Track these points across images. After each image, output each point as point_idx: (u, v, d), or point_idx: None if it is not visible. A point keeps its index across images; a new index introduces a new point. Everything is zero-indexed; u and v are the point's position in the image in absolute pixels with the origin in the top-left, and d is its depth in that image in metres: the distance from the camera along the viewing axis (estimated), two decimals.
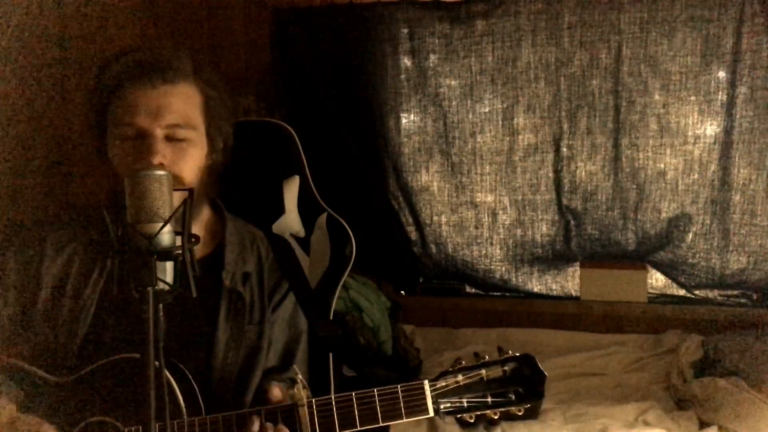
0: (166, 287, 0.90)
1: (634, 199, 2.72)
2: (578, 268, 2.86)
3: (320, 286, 1.55)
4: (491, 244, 2.90)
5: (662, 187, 2.69)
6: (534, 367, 1.16)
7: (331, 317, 1.52)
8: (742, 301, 2.72)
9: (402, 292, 3.03)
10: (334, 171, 2.76)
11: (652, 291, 2.82)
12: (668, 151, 2.65)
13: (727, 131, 2.57)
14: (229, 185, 1.41)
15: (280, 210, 1.64)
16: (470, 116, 2.78)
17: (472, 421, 1.14)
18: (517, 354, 1.18)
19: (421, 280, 3.04)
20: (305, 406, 1.12)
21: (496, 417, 1.14)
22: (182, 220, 0.92)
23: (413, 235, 2.96)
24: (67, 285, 1.23)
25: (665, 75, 2.58)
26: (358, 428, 1.12)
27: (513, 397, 1.15)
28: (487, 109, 2.77)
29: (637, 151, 2.67)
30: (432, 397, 1.13)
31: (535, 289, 2.92)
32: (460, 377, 1.15)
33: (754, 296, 2.71)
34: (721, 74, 2.54)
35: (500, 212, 2.86)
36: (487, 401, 1.15)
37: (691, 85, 2.56)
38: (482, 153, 2.81)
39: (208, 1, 2.87)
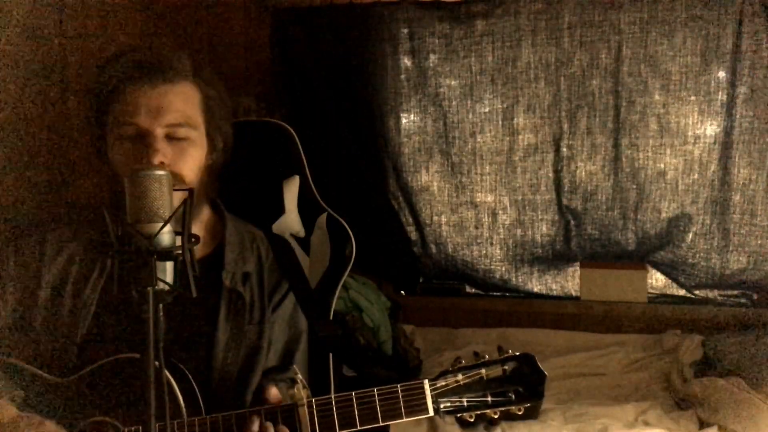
0: (166, 287, 0.90)
1: (634, 199, 2.72)
2: (578, 268, 2.86)
3: (320, 286, 1.55)
4: (491, 244, 2.90)
5: (662, 187, 2.69)
6: (534, 367, 1.16)
7: (331, 317, 1.52)
8: (742, 301, 2.72)
9: (402, 292, 3.03)
10: (334, 171, 2.76)
11: (652, 291, 2.82)
12: (668, 151, 2.65)
13: (727, 131, 2.57)
14: (229, 185, 1.41)
15: (280, 210, 1.64)
16: (470, 116, 2.78)
17: (472, 420, 1.14)
18: (517, 353, 1.18)
19: (421, 280, 3.04)
20: (305, 406, 1.12)
21: (496, 416, 1.14)
22: (182, 220, 0.92)
23: (413, 235, 2.96)
24: (67, 285, 1.23)
25: (665, 75, 2.58)
26: (358, 428, 1.12)
27: (513, 396, 1.15)
28: (487, 109, 2.77)
29: (637, 151, 2.67)
30: (432, 396, 1.13)
31: (535, 289, 2.92)
32: (459, 377, 1.15)
33: (754, 296, 2.71)
34: (721, 74, 2.54)
35: (500, 212, 2.86)
36: (487, 400, 1.14)
37: (691, 85, 2.56)
38: (482, 153, 2.81)
39: (208, 1, 2.87)
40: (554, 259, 2.87)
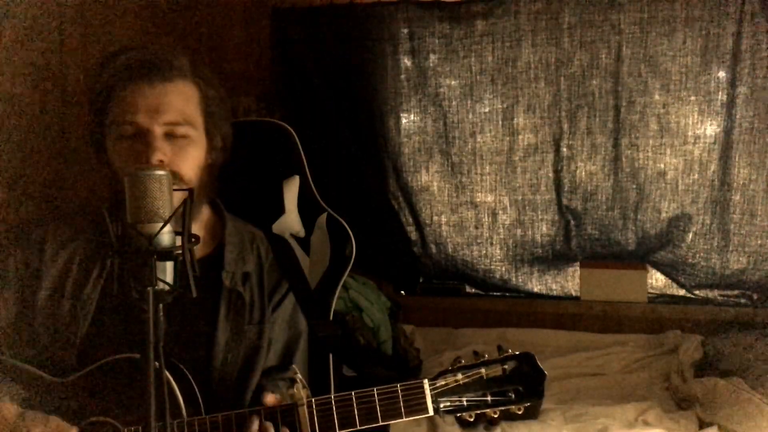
0: (166, 287, 0.90)
1: (634, 199, 2.72)
2: (578, 268, 2.86)
3: (320, 286, 1.55)
4: (491, 244, 2.90)
5: (662, 187, 2.69)
6: (534, 366, 1.16)
7: (331, 317, 1.52)
8: (742, 301, 2.73)
9: (402, 292, 3.03)
10: (334, 171, 2.77)
11: (652, 291, 2.82)
12: (668, 151, 2.65)
13: (727, 131, 2.57)
14: (229, 185, 1.41)
15: (280, 210, 1.63)
16: (470, 116, 2.78)
17: (471, 420, 1.14)
18: (517, 353, 1.17)
19: (421, 280, 3.04)
20: (305, 406, 1.12)
21: (495, 416, 1.14)
22: (182, 220, 0.92)
23: (413, 235, 2.96)
24: (67, 285, 1.23)
25: (665, 75, 2.58)
26: (358, 427, 1.12)
27: (513, 395, 1.15)
28: (487, 109, 2.77)
29: (637, 151, 2.67)
30: (432, 396, 1.13)
31: (535, 289, 2.92)
32: (459, 376, 1.15)
33: (754, 296, 2.71)
34: (721, 74, 2.54)
35: (500, 212, 2.86)
36: (486, 400, 1.14)
37: (691, 85, 2.57)
38: (482, 153, 2.81)
39: (208, 1, 2.87)
40: (554, 259, 2.87)
